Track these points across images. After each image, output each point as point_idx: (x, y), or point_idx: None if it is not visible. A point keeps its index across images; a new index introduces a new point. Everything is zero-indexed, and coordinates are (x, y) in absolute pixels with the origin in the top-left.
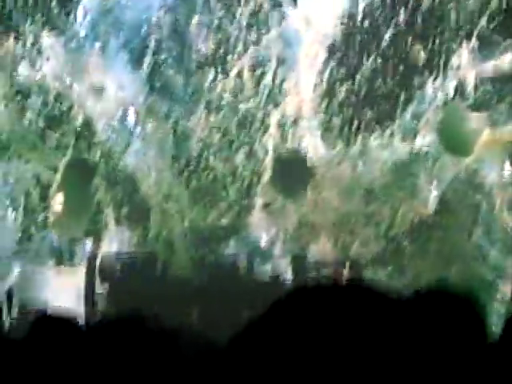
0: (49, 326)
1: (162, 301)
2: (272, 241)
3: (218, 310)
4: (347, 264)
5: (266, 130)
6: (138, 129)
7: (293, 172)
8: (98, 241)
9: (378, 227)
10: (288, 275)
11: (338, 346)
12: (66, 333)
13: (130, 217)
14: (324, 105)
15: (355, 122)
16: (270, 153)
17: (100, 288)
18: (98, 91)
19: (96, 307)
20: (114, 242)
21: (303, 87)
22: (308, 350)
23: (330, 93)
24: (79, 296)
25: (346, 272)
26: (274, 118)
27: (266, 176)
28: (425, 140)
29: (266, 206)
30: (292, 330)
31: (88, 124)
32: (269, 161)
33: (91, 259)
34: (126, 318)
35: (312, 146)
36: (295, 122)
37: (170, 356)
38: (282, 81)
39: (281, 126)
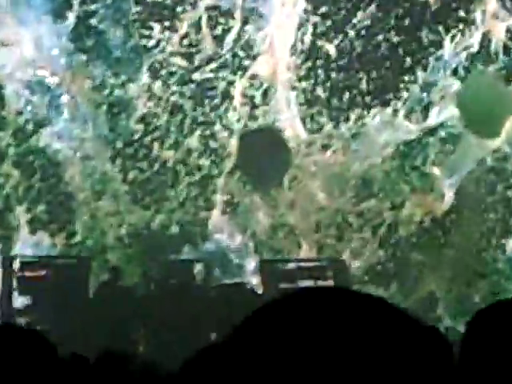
0: None
1: (97, 316)
2: (237, 249)
3: (167, 329)
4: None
5: (229, 105)
6: (62, 99)
7: (264, 159)
8: (9, 244)
9: (376, 230)
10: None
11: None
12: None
13: (49, 217)
14: (305, 69)
15: (347, 93)
16: (235, 134)
17: (18, 301)
18: (8, 49)
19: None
20: (29, 245)
21: (278, 46)
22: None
23: (313, 53)
24: None
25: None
26: (239, 89)
27: (230, 165)
28: (439, 117)
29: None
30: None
31: None
32: (233, 145)
33: (5, 266)
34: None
35: (290, 123)
36: (268, 92)
37: None
38: (251, 38)
39: (249, 98)
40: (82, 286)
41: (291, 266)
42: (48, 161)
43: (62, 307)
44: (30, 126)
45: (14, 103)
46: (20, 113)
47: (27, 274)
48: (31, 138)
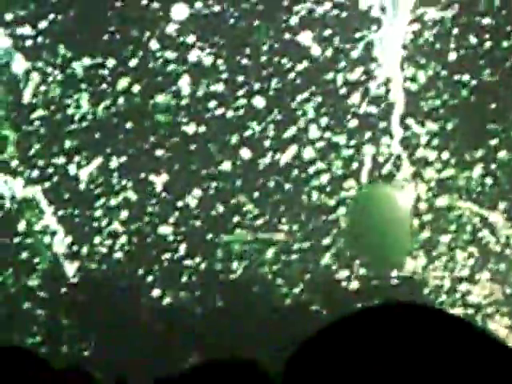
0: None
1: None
2: None
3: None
4: None
5: None
6: None
7: None
8: None
9: None
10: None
11: None
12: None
13: None
14: None
15: None
16: None
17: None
18: None
19: None
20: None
21: None
22: None
23: None
24: None
25: None
26: None
27: None
28: None
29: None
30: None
31: None
32: None
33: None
34: None
35: None
36: None
37: None
38: None
39: None
40: (133, 309)
41: (354, 285)
42: None
43: (110, 331)
44: None
45: None
46: None
47: (74, 295)
48: None
